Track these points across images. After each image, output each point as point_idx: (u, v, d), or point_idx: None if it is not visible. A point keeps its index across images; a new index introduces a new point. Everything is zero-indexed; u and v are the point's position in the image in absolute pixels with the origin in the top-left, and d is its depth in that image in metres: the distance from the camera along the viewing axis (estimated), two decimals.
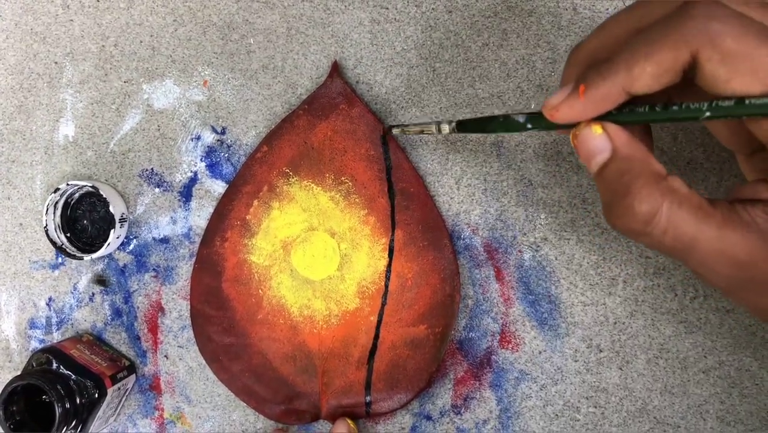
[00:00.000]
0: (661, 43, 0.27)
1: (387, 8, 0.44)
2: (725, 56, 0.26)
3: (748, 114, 0.27)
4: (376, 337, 0.45)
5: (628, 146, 0.30)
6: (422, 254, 0.44)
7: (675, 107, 0.29)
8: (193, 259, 0.47)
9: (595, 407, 0.43)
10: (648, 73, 0.28)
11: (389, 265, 0.44)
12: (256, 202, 0.46)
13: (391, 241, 0.44)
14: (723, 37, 0.26)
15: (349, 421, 0.45)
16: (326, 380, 0.45)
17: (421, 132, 0.41)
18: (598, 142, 0.30)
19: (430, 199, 0.44)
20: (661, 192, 0.29)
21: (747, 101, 0.26)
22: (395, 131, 0.42)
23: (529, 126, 0.34)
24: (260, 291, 0.46)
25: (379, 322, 0.45)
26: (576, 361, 0.44)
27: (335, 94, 0.45)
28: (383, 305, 0.45)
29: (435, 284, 0.44)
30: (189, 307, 0.48)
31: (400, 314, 0.45)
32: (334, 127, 0.45)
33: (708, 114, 0.28)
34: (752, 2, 0.28)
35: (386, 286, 0.45)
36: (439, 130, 0.39)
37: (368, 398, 0.45)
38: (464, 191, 0.45)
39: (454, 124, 0.38)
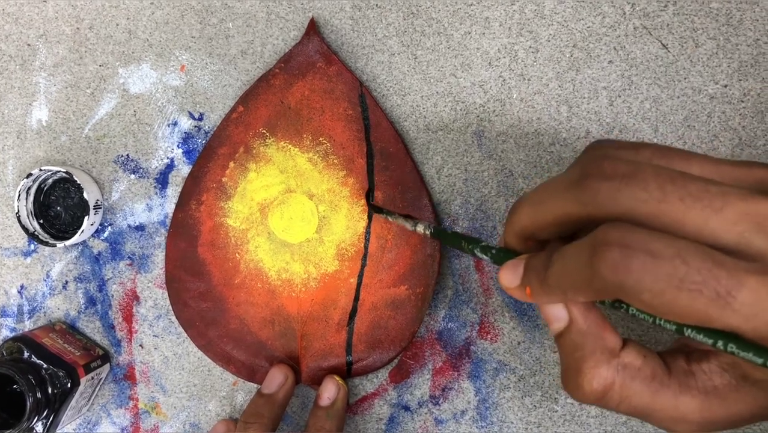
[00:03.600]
0: (582, 291, 0.27)
1: None
2: (647, 306, 0.25)
3: (689, 337, 0.27)
4: (356, 299, 0.44)
5: (583, 318, 0.30)
6: None
7: (621, 308, 0.29)
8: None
9: None
10: (581, 300, 0.30)
11: (368, 226, 0.44)
12: (232, 164, 0.45)
13: (370, 202, 0.44)
14: (639, 293, 0.25)
15: (338, 378, 0.44)
16: (305, 343, 0.45)
17: (397, 220, 0.42)
18: (556, 310, 0.31)
19: (409, 159, 0.44)
20: (613, 370, 0.29)
21: (686, 331, 0.27)
22: (377, 211, 0.43)
23: (492, 262, 0.34)
24: (237, 255, 0.45)
25: (359, 284, 0.44)
26: (555, 352, 0.43)
27: (312, 52, 0.44)
28: (363, 266, 0.44)
29: (415, 245, 0.44)
30: (165, 295, 0.47)
31: (381, 276, 0.44)
32: (311, 86, 0.44)
33: (654, 322, 0.28)
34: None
35: (366, 248, 0.44)
36: (415, 228, 0.40)
37: (349, 358, 0.45)
38: (445, 181, 0.44)
39: (431, 229, 0.39)
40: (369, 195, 0.44)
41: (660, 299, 0.25)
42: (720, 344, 0.26)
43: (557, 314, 0.31)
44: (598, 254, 0.26)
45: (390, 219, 0.42)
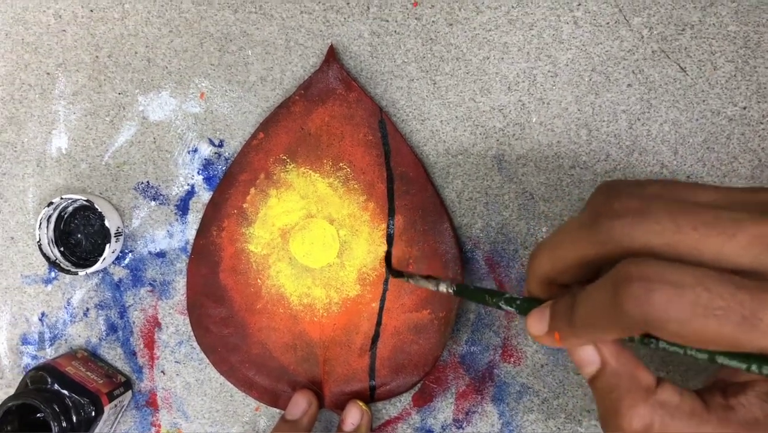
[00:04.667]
0: (610, 328, 0.27)
1: (387, 21, 0.44)
2: (675, 336, 0.25)
3: (722, 365, 0.27)
4: (379, 323, 0.44)
5: (615, 359, 0.30)
6: (423, 239, 0.44)
7: (651, 343, 0.29)
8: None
9: (597, 420, 0.44)
10: (610, 340, 0.30)
11: (389, 250, 0.44)
12: (253, 190, 0.45)
13: (390, 226, 0.44)
14: (666, 324, 0.25)
15: (361, 403, 0.44)
16: (328, 368, 0.45)
17: (419, 282, 0.42)
18: (587, 354, 0.31)
19: (430, 184, 0.44)
20: (651, 408, 0.29)
21: (718, 358, 0.27)
22: (397, 276, 0.43)
23: (519, 313, 0.34)
24: (258, 280, 0.45)
25: (381, 308, 0.44)
26: (577, 374, 0.44)
27: (332, 78, 0.44)
28: (385, 291, 0.44)
29: (437, 269, 0.44)
30: (186, 321, 0.47)
31: (403, 300, 0.44)
32: (331, 113, 0.44)
33: (685, 354, 0.28)
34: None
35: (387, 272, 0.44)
36: (437, 288, 0.40)
37: (372, 383, 0.45)
38: (465, 205, 0.44)
39: (454, 287, 0.39)
40: (388, 258, 0.44)
41: (687, 328, 0.25)
42: (754, 367, 0.26)
43: (589, 357, 0.31)
44: (621, 291, 0.26)
45: (411, 282, 0.42)
